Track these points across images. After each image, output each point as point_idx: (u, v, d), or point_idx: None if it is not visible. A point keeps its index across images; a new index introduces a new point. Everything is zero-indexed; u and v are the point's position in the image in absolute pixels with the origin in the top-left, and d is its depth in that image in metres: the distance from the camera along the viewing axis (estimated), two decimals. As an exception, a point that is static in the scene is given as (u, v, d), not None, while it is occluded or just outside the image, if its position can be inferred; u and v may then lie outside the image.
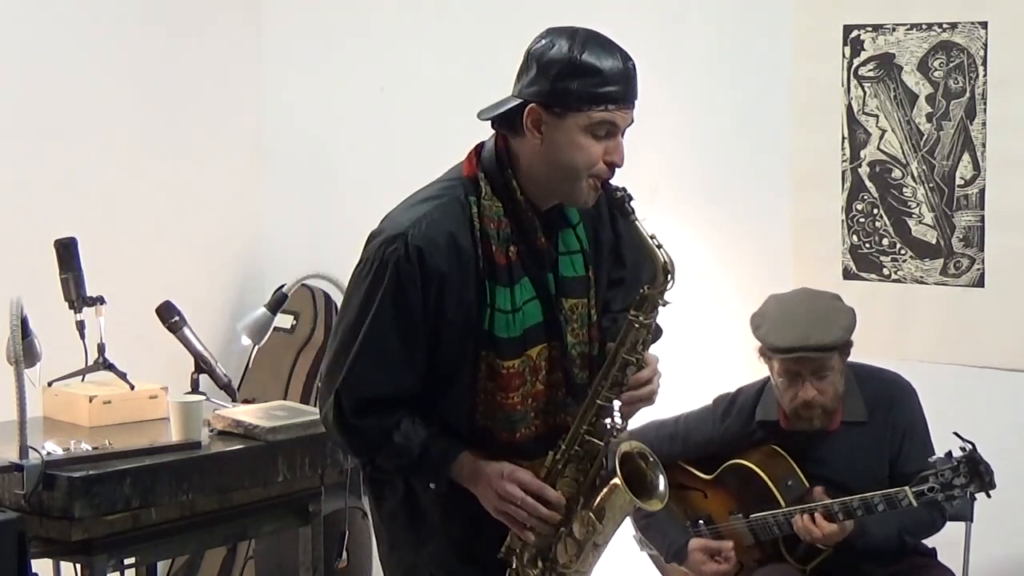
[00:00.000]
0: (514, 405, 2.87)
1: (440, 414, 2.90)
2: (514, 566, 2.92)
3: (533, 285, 2.88)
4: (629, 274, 3.03)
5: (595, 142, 2.78)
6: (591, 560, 2.92)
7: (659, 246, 2.81)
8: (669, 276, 2.81)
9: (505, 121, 2.84)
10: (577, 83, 2.75)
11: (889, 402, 3.94)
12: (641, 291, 2.84)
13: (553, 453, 2.88)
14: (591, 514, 2.86)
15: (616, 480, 2.83)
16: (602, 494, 2.86)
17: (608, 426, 2.86)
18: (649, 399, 2.91)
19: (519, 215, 2.86)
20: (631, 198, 2.82)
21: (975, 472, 3.66)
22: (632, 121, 2.82)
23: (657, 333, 2.95)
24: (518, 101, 2.80)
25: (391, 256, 2.80)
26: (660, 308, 2.85)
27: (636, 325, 2.83)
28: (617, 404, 2.88)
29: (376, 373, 2.84)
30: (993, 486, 3.67)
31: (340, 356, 2.87)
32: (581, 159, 2.78)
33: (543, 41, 2.81)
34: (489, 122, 2.88)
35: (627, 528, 4.06)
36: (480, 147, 2.92)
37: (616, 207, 2.85)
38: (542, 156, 2.81)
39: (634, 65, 2.80)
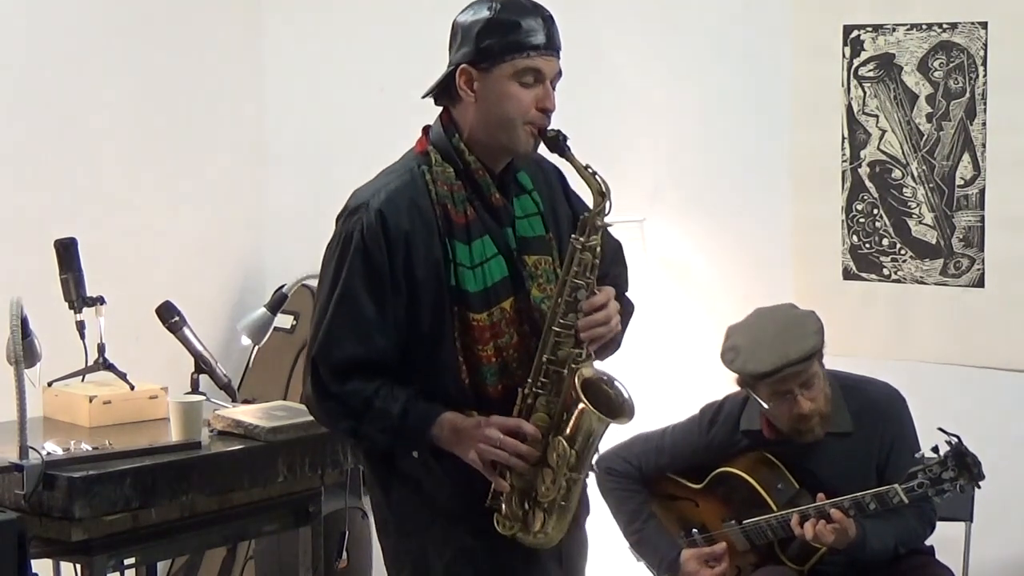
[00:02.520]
0: (488, 357, 2.98)
1: (433, 379, 2.99)
2: (503, 512, 2.99)
3: (494, 241, 3.01)
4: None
5: (524, 90, 2.94)
6: (569, 490, 2.97)
7: (594, 173, 2.94)
8: (605, 198, 2.94)
9: (444, 92, 3.03)
10: (498, 37, 2.93)
11: (876, 413, 3.88)
12: (581, 216, 2.98)
13: (522, 389, 2.97)
14: (563, 440, 2.94)
15: (582, 404, 2.91)
16: (572, 420, 2.94)
17: (570, 354, 2.94)
18: (606, 324, 2.97)
19: (471, 175, 3.01)
20: (566, 137, 2.96)
21: (963, 464, 3.63)
22: (559, 71, 2.97)
23: (629, 307, 3.12)
24: (450, 69, 2.99)
25: (355, 225, 2.97)
26: (600, 230, 2.95)
27: (578, 247, 2.94)
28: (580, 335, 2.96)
29: (349, 337, 2.95)
30: (982, 476, 3.64)
31: (316, 328, 2.99)
32: (513, 107, 2.94)
33: (465, 12, 3.01)
34: (433, 101, 3.05)
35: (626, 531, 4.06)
36: (428, 127, 3.07)
37: (550, 146, 2.98)
38: (479, 113, 2.97)
39: (551, 16, 2.97)
